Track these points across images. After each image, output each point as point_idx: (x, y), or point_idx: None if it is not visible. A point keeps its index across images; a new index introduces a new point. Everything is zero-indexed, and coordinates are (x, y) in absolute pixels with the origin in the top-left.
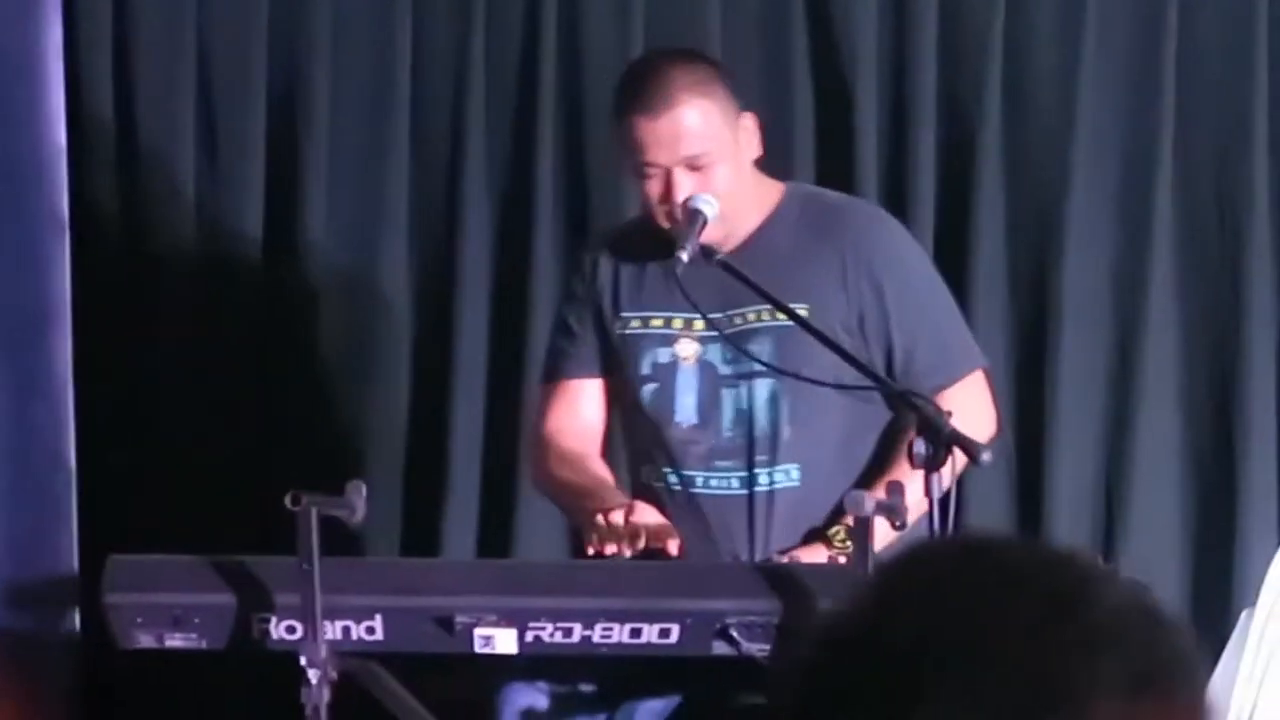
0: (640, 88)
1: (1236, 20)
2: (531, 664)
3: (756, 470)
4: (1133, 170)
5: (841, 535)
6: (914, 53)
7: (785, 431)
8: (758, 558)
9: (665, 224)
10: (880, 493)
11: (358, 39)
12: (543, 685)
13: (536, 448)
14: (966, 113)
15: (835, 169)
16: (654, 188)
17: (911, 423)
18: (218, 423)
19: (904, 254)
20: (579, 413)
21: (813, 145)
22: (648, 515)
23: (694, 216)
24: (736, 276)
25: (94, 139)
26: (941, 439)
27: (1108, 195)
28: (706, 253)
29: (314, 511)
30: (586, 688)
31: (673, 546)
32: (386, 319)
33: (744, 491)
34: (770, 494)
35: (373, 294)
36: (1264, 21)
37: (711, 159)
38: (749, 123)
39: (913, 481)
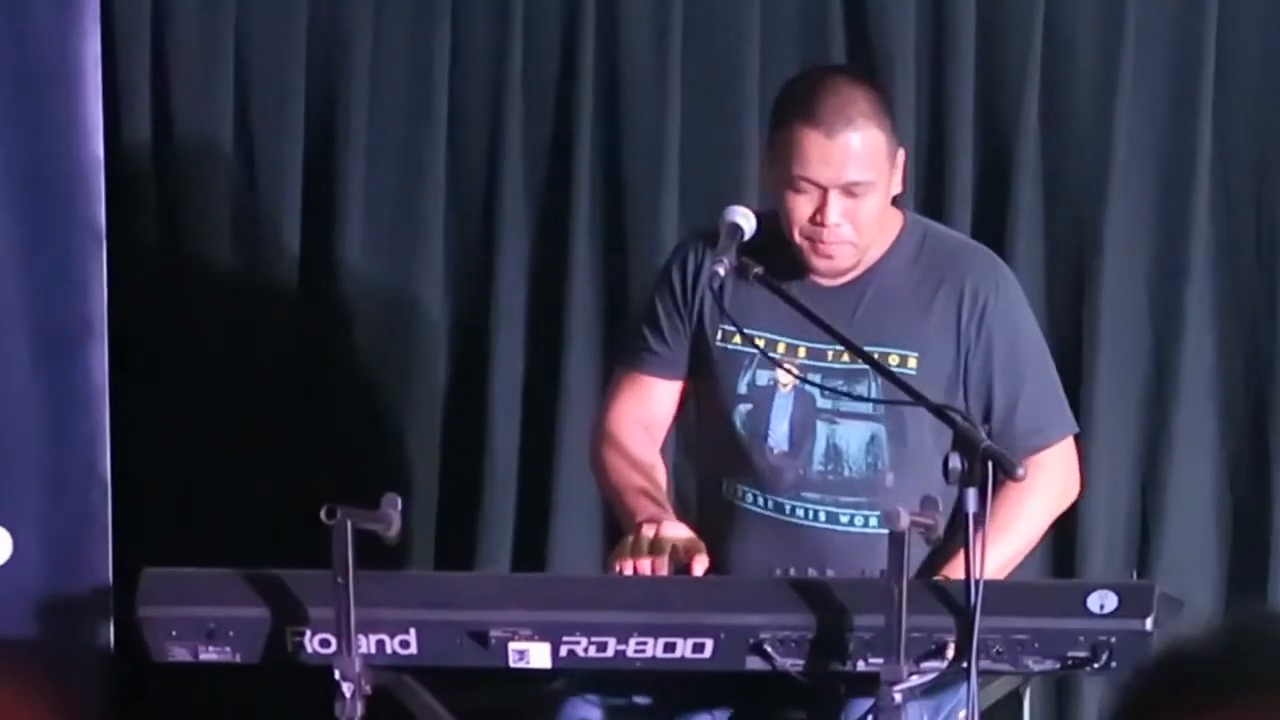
0: (817, 101)
1: (1276, 32)
2: (585, 677)
3: (853, 510)
4: (1170, 180)
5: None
6: (952, 63)
7: (889, 478)
8: None
9: (801, 242)
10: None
11: (395, 55)
12: (593, 698)
13: (599, 432)
14: (1005, 122)
15: None
16: (803, 204)
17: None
18: (253, 436)
19: (1017, 311)
20: (649, 408)
21: None
22: (678, 530)
23: (733, 230)
24: (775, 292)
25: (132, 151)
26: (978, 454)
27: (1145, 205)
28: (743, 266)
29: (349, 525)
30: (640, 700)
31: (699, 565)
32: (423, 333)
33: (829, 527)
34: (867, 537)
35: (409, 308)
36: None
37: (870, 189)
38: (901, 158)
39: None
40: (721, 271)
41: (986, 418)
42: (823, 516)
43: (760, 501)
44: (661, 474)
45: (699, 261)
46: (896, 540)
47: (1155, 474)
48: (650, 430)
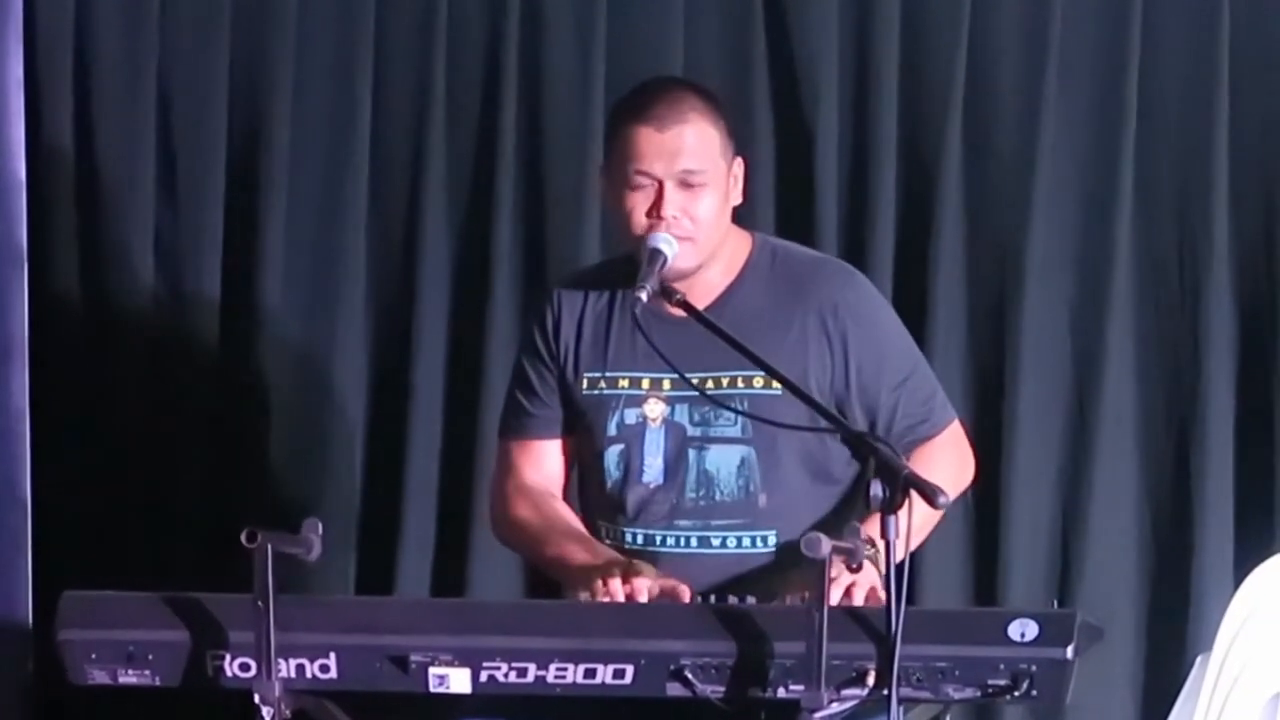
0: (649, 102)
1: (1199, 64)
2: (488, 702)
3: (725, 533)
4: (1092, 212)
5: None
6: (875, 94)
7: (761, 499)
8: None
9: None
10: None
11: (317, 93)
12: None
13: (500, 501)
14: (927, 154)
15: (795, 209)
16: (641, 201)
17: (870, 466)
18: (174, 459)
19: (876, 315)
20: (541, 469)
21: (773, 186)
22: (644, 565)
23: (654, 256)
24: (697, 318)
25: (53, 173)
26: (899, 482)
27: (1067, 237)
28: (666, 292)
29: (270, 548)
30: None
31: (684, 593)
32: (344, 355)
33: (700, 551)
34: (742, 558)
35: (330, 329)
36: (1225, 64)
37: (706, 180)
38: (739, 168)
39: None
40: (644, 297)
41: (872, 422)
42: (694, 542)
43: (633, 538)
44: (575, 517)
45: (556, 312)
46: (817, 568)
47: (1076, 500)
48: (548, 490)
